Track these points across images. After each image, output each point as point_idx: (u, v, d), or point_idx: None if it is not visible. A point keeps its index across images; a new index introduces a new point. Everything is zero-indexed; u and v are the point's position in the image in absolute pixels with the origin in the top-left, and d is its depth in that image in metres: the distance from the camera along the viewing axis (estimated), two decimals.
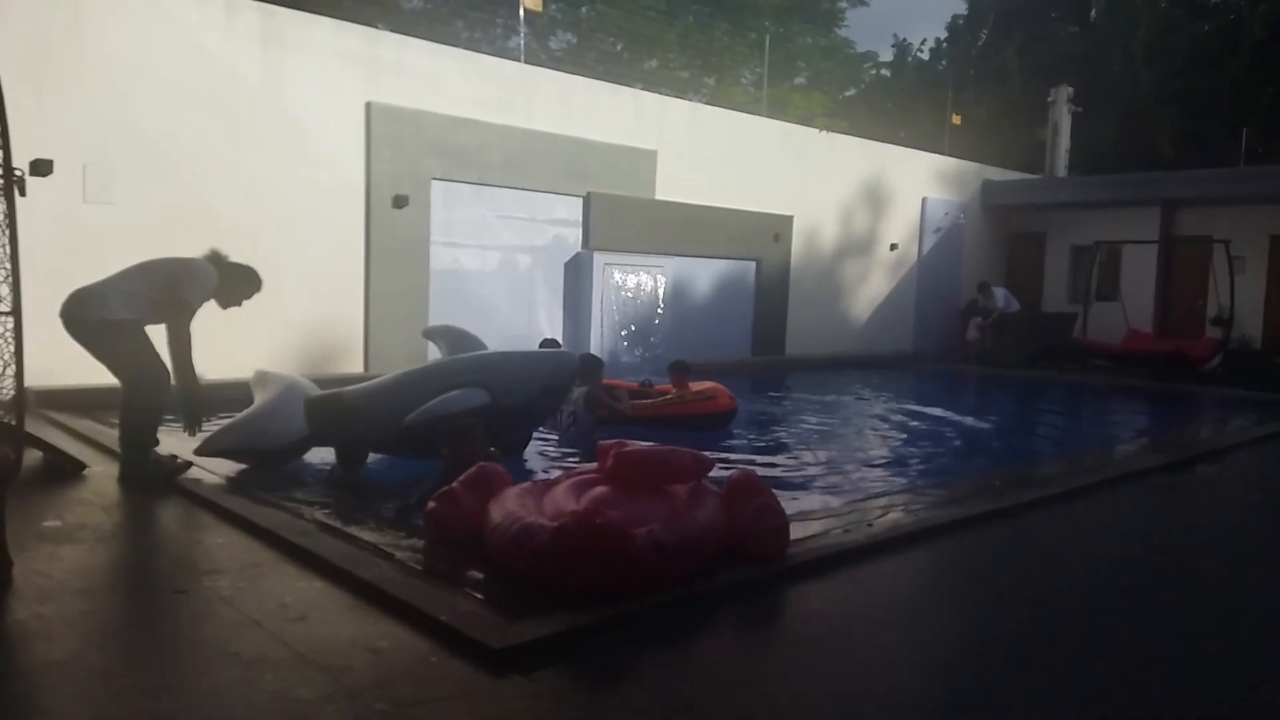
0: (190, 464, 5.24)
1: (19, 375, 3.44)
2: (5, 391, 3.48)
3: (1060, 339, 15.47)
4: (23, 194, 3.61)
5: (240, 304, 5.53)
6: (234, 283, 5.41)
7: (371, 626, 3.14)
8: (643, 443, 4.32)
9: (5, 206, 3.48)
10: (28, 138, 6.29)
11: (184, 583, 3.54)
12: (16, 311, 3.45)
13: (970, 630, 3.50)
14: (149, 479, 5.04)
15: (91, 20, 8.12)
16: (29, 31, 7.72)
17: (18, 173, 3.57)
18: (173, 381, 5.13)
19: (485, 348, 6.47)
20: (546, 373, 6.21)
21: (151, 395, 5.14)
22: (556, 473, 4.71)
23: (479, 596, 3.39)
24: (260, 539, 4.08)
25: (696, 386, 7.62)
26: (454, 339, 6.55)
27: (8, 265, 3.47)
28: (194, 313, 5.15)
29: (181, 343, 5.09)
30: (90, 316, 4.98)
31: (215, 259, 5.35)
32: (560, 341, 7.81)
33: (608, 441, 4.33)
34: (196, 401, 5.19)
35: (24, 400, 3.50)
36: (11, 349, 3.43)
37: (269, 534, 4.08)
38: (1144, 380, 13.53)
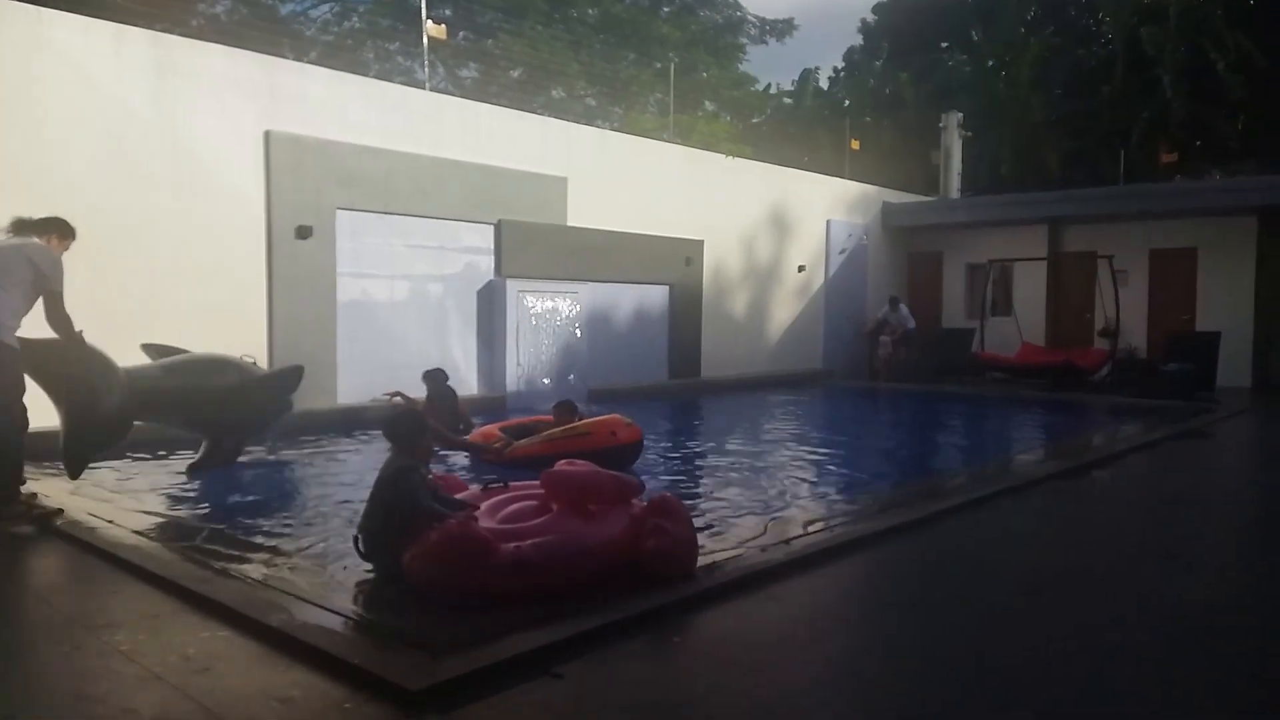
0: (61, 510, 5.16)
1: None
2: None
3: (959, 354, 16.07)
4: None
5: (62, 255, 5.55)
6: (53, 239, 5.51)
7: (281, 675, 3.03)
8: (582, 463, 4.47)
9: None
10: None
11: (77, 638, 3.35)
12: None
13: (888, 643, 3.58)
14: (23, 518, 4.99)
15: None
16: None
17: None
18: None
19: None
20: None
21: (16, 431, 5.15)
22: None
23: (393, 637, 3.31)
24: (158, 588, 3.90)
25: (588, 421, 7.17)
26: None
27: None
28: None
29: (71, 327, 5.33)
30: None
31: (23, 226, 5.42)
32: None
33: (565, 461, 4.54)
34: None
35: None
36: None
37: (167, 582, 3.90)
38: (1039, 391, 14.15)
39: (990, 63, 25.54)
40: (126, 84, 8.64)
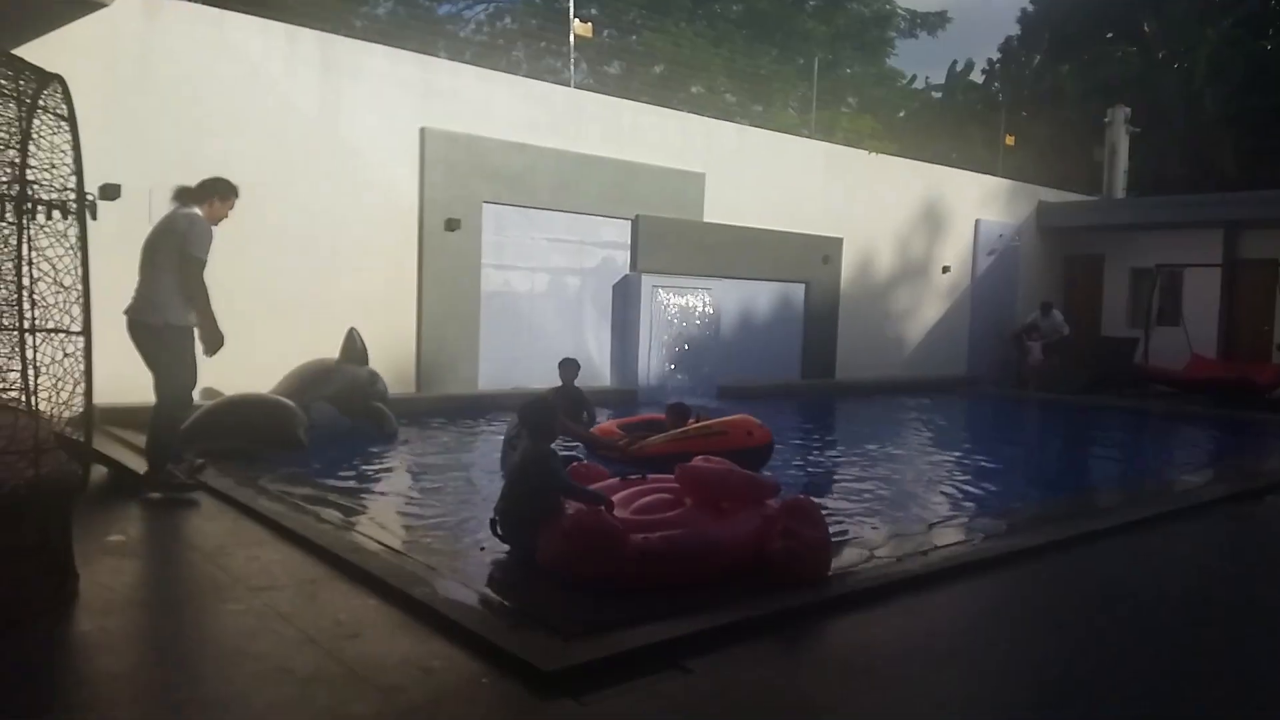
0: (201, 484, 5.39)
1: (88, 393, 3.54)
2: (74, 408, 3.58)
3: (1120, 364, 15.08)
4: (94, 218, 3.74)
5: (228, 214, 5.68)
6: (214, 201, 5.58)
7: (424, 646, 3.15)
8: (718, 460, 4.46)
9: (78, 230, 3.60)
10: (97, 163, 6.47)
11: (241, 598, 3.59)
12: (87, 331, 3.56)
13: (1028, 667, 3.39)
14: (163, 488, 5.24)
15: (158, 50, 8.41)
16: (100, 60, 8.00)
17: (89, 197, 3.69)
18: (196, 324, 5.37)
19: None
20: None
21: (179, 408, 5.43)
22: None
23: (527, 617, 3.39)
24: (314, 555, 4.14)
25: (720, 420, 7.05)
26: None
27: (79, 287, 3.58)
28: (205, 263, 5.35)
29: (202, 293, 5.29)
30: (155, 320, 5.25)
31: (184, 195, 5.51)
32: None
33: (702, 457, 4.56)
34: (215, 335, 5.37)
35: (92, 417, 3.60)
36: (82, 368, 3.53)
37: (322, 550, 4.14)
38: (1208, 407, 13.11)
39: (1161, 54, 23.81)
40: (296, 82, 9.20)
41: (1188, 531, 5.60)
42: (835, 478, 7.25)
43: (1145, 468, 9.05)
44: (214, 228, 5.53)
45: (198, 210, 5.47)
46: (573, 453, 7.08)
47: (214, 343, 5.36)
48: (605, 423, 7.99)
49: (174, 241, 5.28)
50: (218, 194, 5.58)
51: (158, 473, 5.31)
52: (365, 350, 8.19)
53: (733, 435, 6.65)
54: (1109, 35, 26.07)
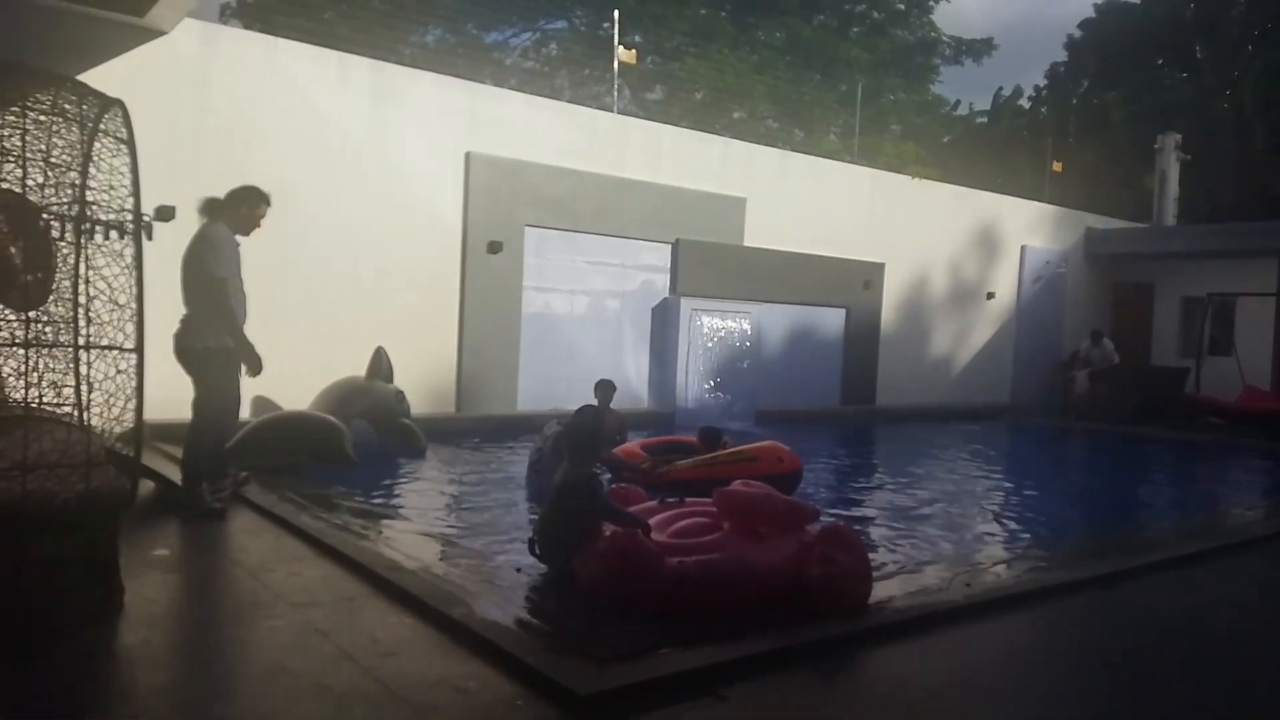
0: (224, 511, 5.25)
1: (139, 409, 3.62)
2: (125, 424, 3.66)
3: (1170, 394, 14.73)
4: (149, 238, 3.84)
5: (259, 224, 5.56)
6: (241, 211, 5.47)
7: (460, 666, 3.16)
8: (757, 484, 4.41)
9: (134, 250, 3.70)
10: (153, 184, 6.65)
11: (282, 613, 3.63)
12: (139, 349, 3.65)
13: (1071, 703, 3.29)
14: (190, 510, 5.19)
15: (215, 74, 8.65)
16: (158, 84, 8.23)
17: (145, 218, 3.80)
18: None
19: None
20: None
21: (219, 429, 5.45)
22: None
23: (567, 640, 3.39)
24: (354, 572, 4.17)
25: (750, 446, 6.95)
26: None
27: (133, 305, 3.67)
28: (230, 280, 5.27)
29: (229, 314, 5.22)
30: (195, 345, 5.29)
31: (210, 207, 5.41)
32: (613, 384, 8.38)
33: (741, 481, 4.51)
34: (253, 356, 5.32)
35: (142, 433, 3.68)
36: (133, 384, 3.62)
37: (362, 568, 4.17)
38: (1261, 440, 12.73)
39: (1211, 81, 23.42)
40: (346, 107, 9.40)
41: (1239, 567, 5.43)
42: (875, 505, 7.15)
43: (1194, 501, 8.80)
44: (249, 238, 5.51)
45: (222, 223, 5.40)
46: (607, 474, 7.06)
47: (253, 365, 5.34)
48: (628, 444, 7.89)
49: (194, 266, 5.26)
50: (245, 203, 5.47)
51: (189, 492, 5.30)
52: (391, 369, 8.37)
53: (763, 461, 6.55)
54: (1159, 62, 25.73)
